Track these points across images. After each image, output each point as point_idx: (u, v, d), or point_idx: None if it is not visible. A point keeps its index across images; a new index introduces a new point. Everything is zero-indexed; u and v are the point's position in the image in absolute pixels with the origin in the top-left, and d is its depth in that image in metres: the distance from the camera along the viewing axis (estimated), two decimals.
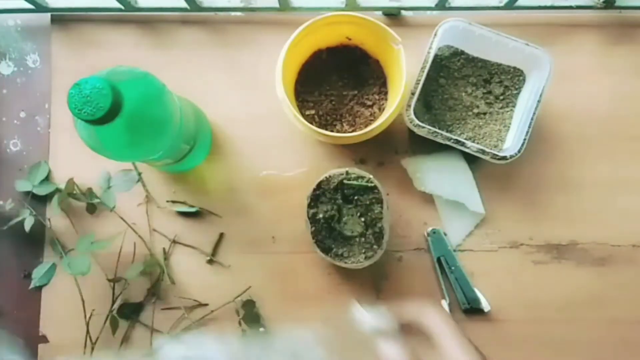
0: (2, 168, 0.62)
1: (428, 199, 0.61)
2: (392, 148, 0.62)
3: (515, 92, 0.61)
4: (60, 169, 0.61)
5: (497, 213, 0.61)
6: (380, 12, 0.63)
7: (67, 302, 0.59)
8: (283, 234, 0.61)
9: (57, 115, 0.62)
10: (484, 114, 0.61)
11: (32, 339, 0.60)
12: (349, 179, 0.55)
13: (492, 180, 0.61)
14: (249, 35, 0.63)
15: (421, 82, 0.56)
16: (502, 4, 0.61)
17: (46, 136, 0.62)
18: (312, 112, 0.60)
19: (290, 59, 0.56)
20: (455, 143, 0.56)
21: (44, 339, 0.60)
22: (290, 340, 0.47)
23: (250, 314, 0.59)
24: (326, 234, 0.56)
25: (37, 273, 0.60)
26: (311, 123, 0.57)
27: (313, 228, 0.55)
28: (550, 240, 0.61)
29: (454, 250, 0.60)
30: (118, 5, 0.60)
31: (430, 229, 0.60)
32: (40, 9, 0.62)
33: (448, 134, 0.56)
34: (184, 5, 0.60)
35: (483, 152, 0.56)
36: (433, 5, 0.61)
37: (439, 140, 0.56)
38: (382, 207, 0.55)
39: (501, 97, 0.61)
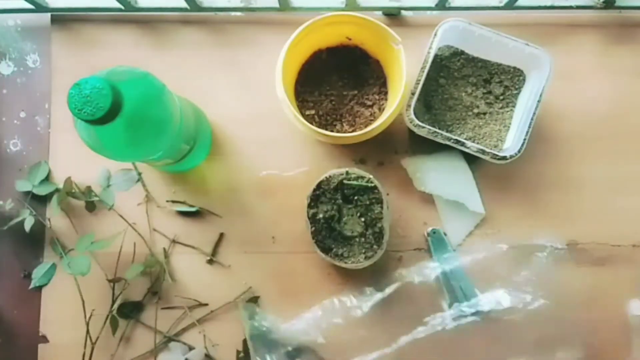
0: (2, 168, 0.62)
1: (428, 199, 0.61)
2: (392, 148, 0.62)
3: (515, 92, 0.61)
4: (60, 168, 0.61)
5: (497, 213, 0.61)
6: (380, 12, 0.63)
7: (67, 302, 0.59)
8: (283, 234, 0.61)
9: (57, 115, 0.62)
10: (484, 114, 0.61)
11: (32, 339, 0.60)
12: (349, 179, 0.55)
13: (492, 180, 0.61)
14: (249, 35, 0.63)
15: (421, 82, 0.56)
16: (502, 4, 0.61)
17: (46, 136, 0.62)
18: (312, 112, 0.60)
19: (290, 59, 0.56)
20: (455, 143, 0.56)
21: (44, 339, 0.60)
22: None
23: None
24: (326, 234, 0.56)
25: (37, 273, 0.60)
26: (311, 123, 0.57)
27: (313, 228, 0.55)
28: (550, 240, 0.61)
29: (454, 250, 0.60)
30: (118, 5, 0.60)
31: (430, 229, 0.60)
32: (40, 9, 0.62)
33: (448, 134, 0.56)
34: (184, 5, 0.60)
35: (483, 152, 0.56)
36: (433, 5, 0.61)
37: (439, 140, 0.56)
38: (382, 207, 0.55)
39: (501, 97, 0.61)
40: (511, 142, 0.58)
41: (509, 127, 0.60)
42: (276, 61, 0.55)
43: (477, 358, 0.59)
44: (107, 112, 0.40)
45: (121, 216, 0.60)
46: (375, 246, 0.55)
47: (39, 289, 0.60)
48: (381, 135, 0.56)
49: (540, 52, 0.57)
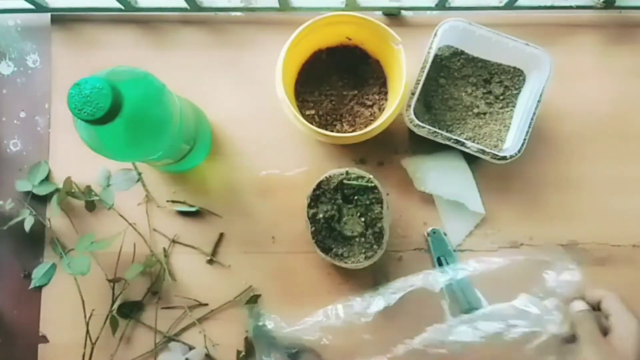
0: (2, 168, 0.62)
1: (428, 199, 0.61)
2: (392, 148, 0.62)
3: (515, 92, 0.61)
4: (60, 168, 0.61)
5: (497, 213, 0.61)
6: (380, 12, 0.63)
7: (67, 302, 0.59)
8: (283, 234, 0.61)
9: (57, 115, 0.62)
10: (484, 114, 0.61)
11: (32, 339, 0.60)
12: (349, 179, 0.55)
13: (492, 180, 0.61)
14: (249, 35, 0.63)
15: (421, 82, 0.56)
16: (502, 4, 0.61)
17: (46, 136, 0.62)
18: (312, 112, 0.60)
19: (290, 59, 0.56)
20: (455, 143, 0.56)
21: (44, 339, 0.60)
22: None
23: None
24: (326, 234, 0.56)
25: (37, 273, 0.60)
26: (311, 123, 0.57)
27: (313, 228, 0.55)
28: (550, 240, 0.61)
29: (454, 250, 0.60)
30: (118, 5, 0.60)
31: (430, 229, 0.60)
32: (40, 9, 0.62)
33: (448, 134, 0.56)
34: (184, 5, 0.60)
35: (483, 152, 0.56)
36: (433, 5, 0.61)
37: (439, 140, 0.56)
38: (382, 207, 0.55)
39: (501, 97, 0.61)
40: (511, 142, 0.58)
41: (509, 127, 0.60)
42: (276, 61, 0.55)
43: None
44: (107, 112, 0.40)
45: (121, 216, 0.60)
46: (375, 246, 0.55)
47: (39, 289, 0.60)
48: (381, 135, 0.56)
49: (540, 52, 0.57)
